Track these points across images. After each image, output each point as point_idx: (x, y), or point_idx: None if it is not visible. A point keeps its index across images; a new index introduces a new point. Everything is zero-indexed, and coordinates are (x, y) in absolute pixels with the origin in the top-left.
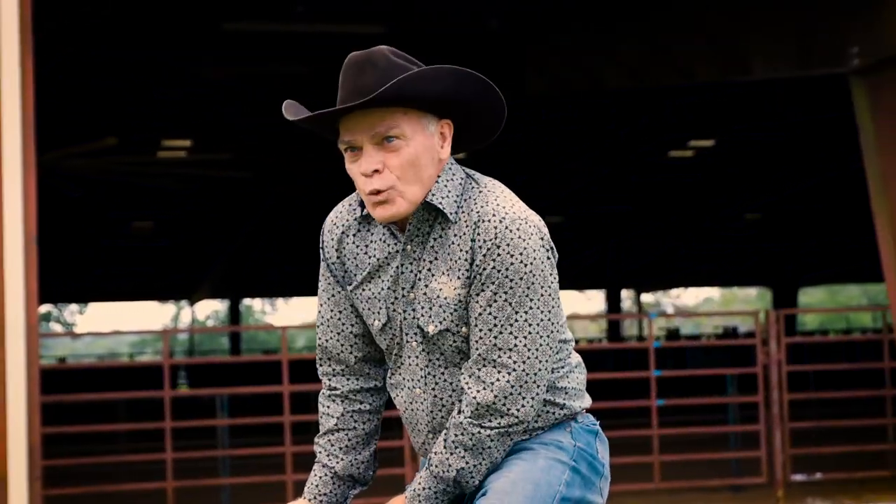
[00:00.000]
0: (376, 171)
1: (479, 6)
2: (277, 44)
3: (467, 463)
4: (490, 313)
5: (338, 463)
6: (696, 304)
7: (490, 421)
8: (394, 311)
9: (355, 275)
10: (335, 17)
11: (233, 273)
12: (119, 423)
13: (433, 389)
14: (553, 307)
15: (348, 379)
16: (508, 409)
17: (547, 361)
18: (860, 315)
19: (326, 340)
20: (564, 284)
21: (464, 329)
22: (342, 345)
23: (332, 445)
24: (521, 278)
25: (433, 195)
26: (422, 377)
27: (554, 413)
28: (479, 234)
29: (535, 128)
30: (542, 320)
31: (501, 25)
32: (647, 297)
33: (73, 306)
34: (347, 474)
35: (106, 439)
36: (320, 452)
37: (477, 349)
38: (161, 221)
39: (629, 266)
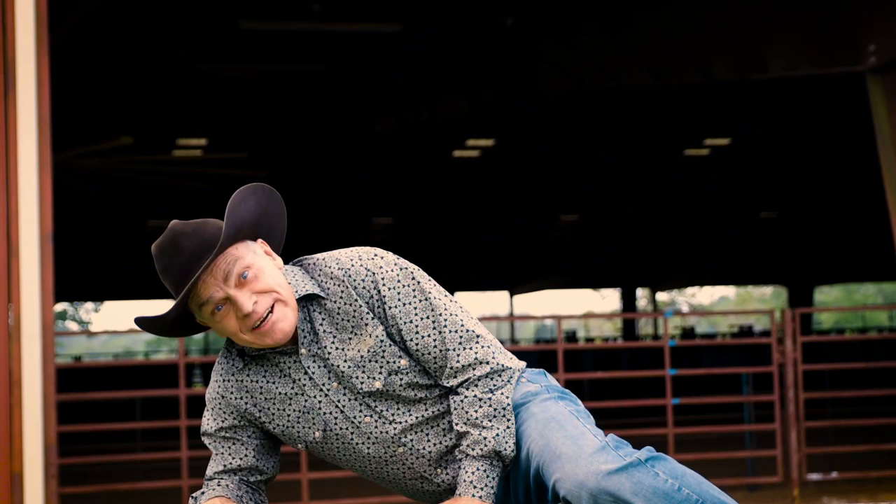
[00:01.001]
0: (255, 302)
1: (494, 4)
2: (293, 42)
3: (499, 429)
4: (416, 324)
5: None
6: (711, 303)
7: (497, 380)
8: (326, 413)
9: (269, 409)
10: (351, 16)
11: None
12: (134, 421)
13: (418, 434)
14: (441, 287)
15: (251, 479)
16: (501, 364)
17: (477, 320)
18: (876, 314)
19: (228, 475)
20: (580, 283)
21: (402, 361)
22: (250, 475)
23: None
24: (407, 284)
25: (297, 292)
26: (395, 436)
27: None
28: (353, 280)
29: (551, 126)
30: (444, 295)
31: (517, 23)
32: (662, 296)
33: (89, 304)
34: None
35: (121, 437)
36: (218, 490)
37: (439, 357)
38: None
39: (644, 265)
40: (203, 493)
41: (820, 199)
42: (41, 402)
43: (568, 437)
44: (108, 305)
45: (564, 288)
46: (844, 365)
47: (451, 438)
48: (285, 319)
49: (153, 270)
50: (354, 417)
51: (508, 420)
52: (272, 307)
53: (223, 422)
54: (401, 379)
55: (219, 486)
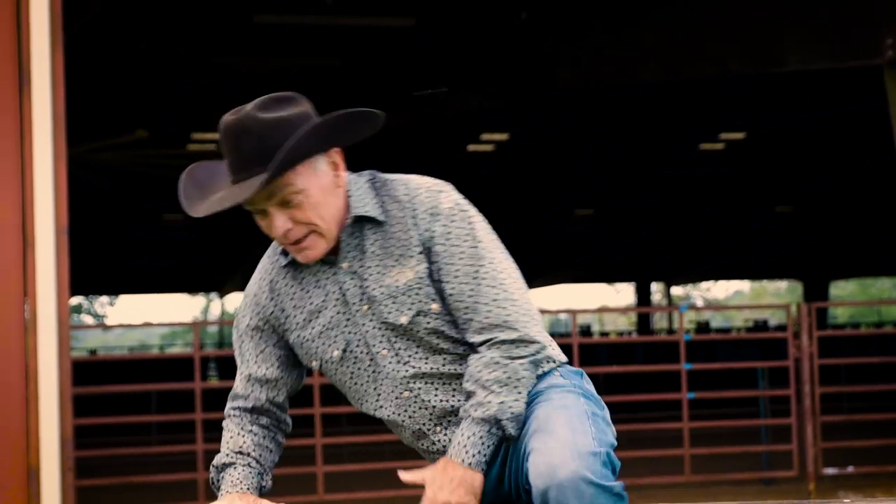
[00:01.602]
0: (288, 229)
1: None
2: (308, 36)
3: (506, 397)
4: (457, 268)
5: (259, 466)
6: (726, 298)
7: (522, 350)
8: (350, 333)
9: (296, 316)
10: (365, 10)
11: None
12: (150, 414)
13: (427, 384)
14: (500, 245)
15: (268, 415)
16: (532, 337)
17: (526, 291)
18: (892, 308)
19: (251, 393)
20: (594, 277)
21: (433, 305)
22: (271, 395)
23: (254, 451)
24: (461, 225)
25: (356, 209)
26: (405, 378)
27: (544, 365)
28: (416, 209)
29: (566, 120)
30: (498, 250)
31: (531, 18)
32: (677, 290)
33: (104, 298)
34: (264, 477)
35: (137, 431)
36: (239, 458)
37: (470, 308)
38: None
39: (659, 259)
40: (225, 426)
41: (835, 194)
42: (57, 395)
43: (569, 427)
44: (124, 299)
45: (579, 282)
46: (860, 359)
47: (459, 401)
48: (315, 249)
49: (168, 264)
50: (374, 346)
51: (519, 393)
52: (306, 235)
53: (250, 320)
54: (427, 322)
55: (240, 458)
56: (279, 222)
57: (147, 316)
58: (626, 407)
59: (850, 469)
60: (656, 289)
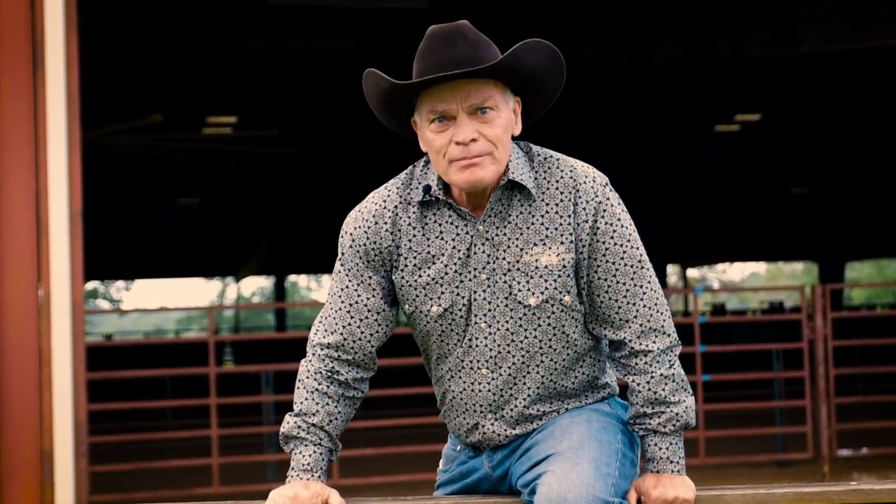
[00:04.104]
0: (473, 139)
1: None
2: (323, 19)
3: (686, 402)
4: (618, 267)
5: (330, 442)
6: (741, 279)
7: (674, 354)
8: (457, 294)
9: (407, 259)
10: None
11: (278, 249)
12: (165, 399)
13: (509, 369)
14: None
15: (352, 368)
16: (677, 339)
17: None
18: None
19: (344, 327)
20: None
21: (566, 297)
22: (363, 333)
23: (328, 424)
24: (626, 226)
25: (512, 173)
26: (491, 357)
27: (603, 391)
28: (580, 197)
29: (581, 102)
30: (651, 268)
31: None
32: (692, 272)
33: (120, 283)
34: (335, 450)
35: (152, 416)
36: (311, 432)
37: (624, 309)
38: (207, 198)
39: (675, 241)
40: (308, 361)
41: (851, 175)
42: (71, 380)
43: (594, 465)
44: (139, 284)
45: None
46: (875, 341)
47: (526, 407)
48: (486, 171)
49: (183, 249)
50: (476, 316)
51: (690, 393)
52: (483, 156)
53: (363, 245)
54: (552, 312)
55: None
56: (468, 129)
57: (163, 300)
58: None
59: (865, 451)
60: (672, 271)
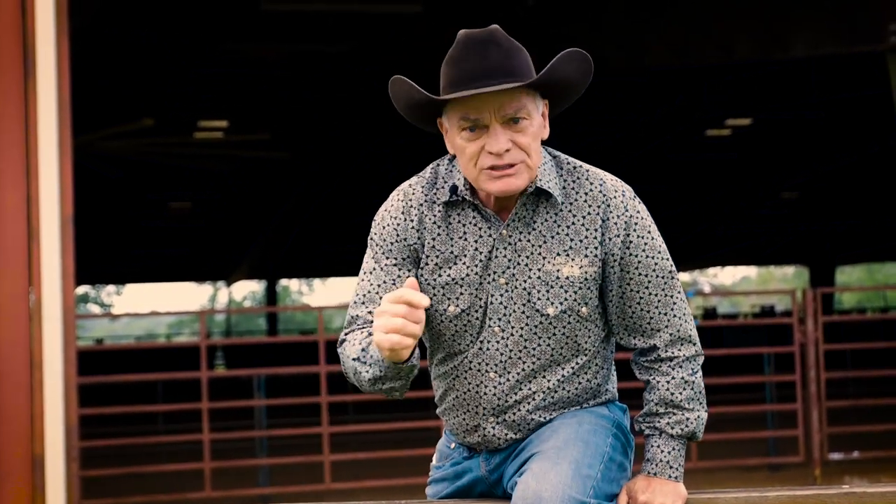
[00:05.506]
0: (507, 149)
1: None
2: (315, 23)
3: (699, 412)
4: (650, 279)
5: None
6: (732, 283)
7: (698, 363)
8: (475, 297)
9: (430, 257)
10: None
11: (270, 254)
12: (156, 403)
13: (517, 374)
14: None
15: None
16: (701, 349)
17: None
18: None
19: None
20: None
21: (584, 308)
22: None
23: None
24: (656, 240)
25: (540, 180)
26: (501, 362)
27: (604, 395)
28: (610, 210)
29: (572, 106)
30: (678, 277)
31: (539, 3)
32: (683, 276)
33: (111, 287)
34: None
35: (143, 420)
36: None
37: (656, 320)
38: (198, 202)
39: (666, 245)
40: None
41: (842, 179)
42: (62, 384)
43: (575, 466)
44: (130, 288)
45: None
46: (866, 345)
47: (529, 412)
48: (519, 179)
49: (175, 253)
50: (490, 319)
51: (705, 407)
52: (517, 164)
53: (392, 241)
54: (569, 322)
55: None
56: (502, 139)
57: (154, 305)
58: (633, 392)
59: (856, 454)
60: None
